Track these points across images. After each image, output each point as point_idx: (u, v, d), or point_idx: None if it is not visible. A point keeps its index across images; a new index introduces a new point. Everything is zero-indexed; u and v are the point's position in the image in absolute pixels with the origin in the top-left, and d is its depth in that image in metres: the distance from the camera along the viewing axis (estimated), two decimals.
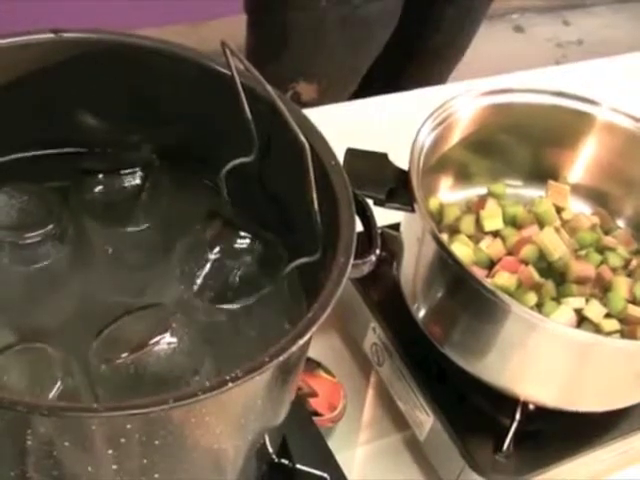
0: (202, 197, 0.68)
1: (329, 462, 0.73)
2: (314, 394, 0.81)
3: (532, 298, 0.77)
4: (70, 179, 0.66)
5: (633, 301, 0.79)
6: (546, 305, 0.77)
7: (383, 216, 0.72)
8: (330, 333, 0.91)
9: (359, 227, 0.58)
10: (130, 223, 0.66)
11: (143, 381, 0.55)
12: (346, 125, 1.02)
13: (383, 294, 0.87)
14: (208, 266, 0.62)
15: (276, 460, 0.68)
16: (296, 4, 1.26)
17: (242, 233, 0.63)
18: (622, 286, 0.79)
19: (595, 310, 0.77)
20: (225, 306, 0.62)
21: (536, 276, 0.79)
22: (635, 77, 1.33)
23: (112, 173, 0.66)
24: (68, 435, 0.49)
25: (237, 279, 0.63)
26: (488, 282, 0.72)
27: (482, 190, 0.90)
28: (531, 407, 0.78)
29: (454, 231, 0.84)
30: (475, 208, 0.86)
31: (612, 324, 0.77)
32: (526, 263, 0.80)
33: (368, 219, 0.61)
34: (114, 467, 0.51)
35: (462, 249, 0.80)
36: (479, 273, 0.77)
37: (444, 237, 0.82)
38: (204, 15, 2.21)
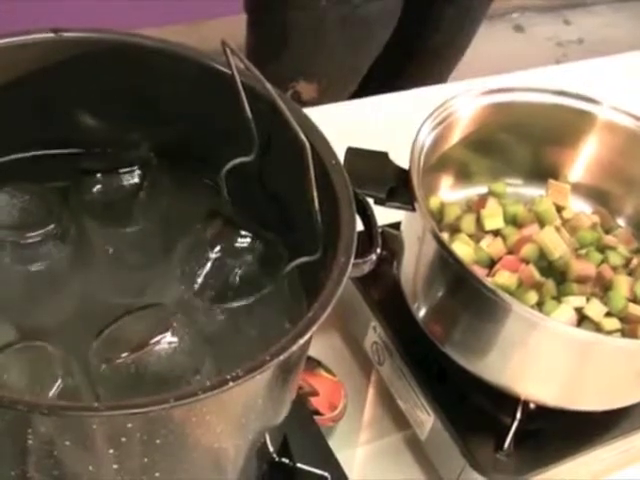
0: (202, 196, 0.68)
1: (330, 461, 0.73)
2: (315, 393, 0.81)
3: (533, 297, 0.77)
4: (69, 179, 0.66)
5: (634, 300, 0.79)
6: (547, 304, 0.77)
7: (383, 215, 0.72)
8: (331, 332, 0.91)
9: (359, 226, 0.58)
10: (130, 222, 0.66)
11: (144, 381, 0.55)
12: (346, 124, 1.02)
13: (384, 293, 0.87)
14: (209, 265, 0.62)
15: (277, 459, 0.68)
16: (296, 4, 1.26)
17: (243, 232, 0.63)
18: (623, 285, 0.79)
19: (596, 309, 0.77)
20: (226, 305, 0.62)
21: (537, 275, 0.79)
22: (635, 76, 1.33)
23: (110, 172, 0.66)
24: (69, 434, 0.49)
25: (238, 278, 0.63)
26: (489, 281, 0.72)
27: (482, 189, 0.90)
28: (532, 406, 0.78)
29: (455, 230, 0.84)
30: (476, 207, 0.86)
31: (613, 323, 0.77)
32: (527, 262, 0.80)
33: (369, 218, 0.61)
34: (115, 466, 0.51)
35: (463, 248, 0.80)
36: (480, 272, 0.77)
37: (445, 236, 0.82)
38: (204, 14, 2.21)
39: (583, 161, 0.91)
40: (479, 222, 0.84)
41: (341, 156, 0.68)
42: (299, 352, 0.55)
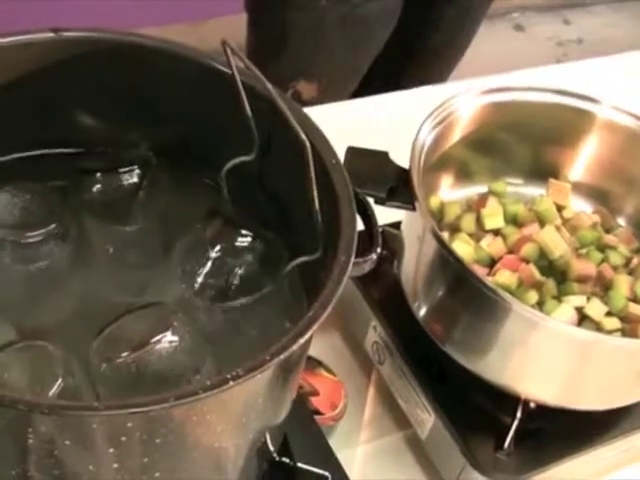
0: (202, 196, 0.68)
1: (330, 461, 0.73)
2: (315, 393, 0.81)
3: (533, 296, 0.77)
4: (69, 178, 0.66)
5: (634, 299, 0.79)
6: (547, 303, 0.77)
7: (384, 215, 0.72)
8: (331, 332, 0.91)
9: (360, 226, 0.58)
10: (129, 221, 0.66)
11: (144, 380, 0.55)
12: (346, 124, 1.02)
13: (384, 292, 0.87)
14: (209, 265, 0.62)
15: (277, 459, 0.68)
16: (296, 3, 1.26)
17: (243, 232, 0.63)
18: (623, 284, 0.79)
19: (596, 308, 0.77)
20: (226, 305, 0.62)
21: (537, 274, 0.79)
22: (635, 76, 1.33)
23: (110, 172, 0.66)
24: (69, 434, 0.49)
25: (238, 278, 0.63)
26: (489, 280, 0.72)
27: (483, 188, 0.90)
28: (532, 405, 0.78)
29: (455, 229, 0.84)
30: (476, 206, 0.86)
31: (613, 322, 0.77)
32: (527, 261, 0.80)
33: (369, 217, 0.61)
34: (115, 466, 0.51)
35: (463, 247, 0.80)
36: (480, 271, 0.77)
37: (445, 235, 0.82)
38: (205, 14, 2.21)
39: (583, 160, 0.91)
40: (479, 221, 0.84)
41: (341, 155, 0.68)
42: (299, 351, 0.55)
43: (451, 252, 0.72)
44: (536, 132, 0.89)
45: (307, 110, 0.62)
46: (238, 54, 0.60)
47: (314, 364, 0.83)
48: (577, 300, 0.77)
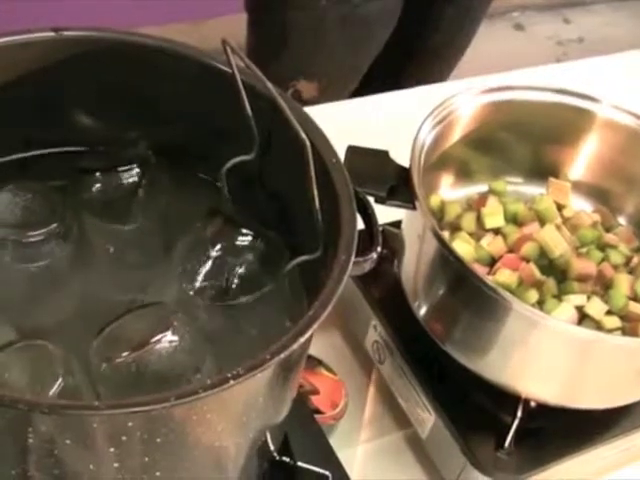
0: (203, 195, 0.68)
1: (330, 460, 0.73)
2: (315, 392, 0.81)
3: (533, 295, 0.77)
4: (69, 178, 0.66)
5: (634, 298, 0.79)
6: (547, 302, 0.77)
7: (384, 214, 0.72)
8: (331, 331, 0.91)
9: (360, 225, 0.58)
10: (129, 221, 0.66)
11: (144, 379, 0.55)
12: (347, 123, 1.02)
13: (384, 292, 0.87)
14: (209, 264, 0.62)
15: (277, 458, 0.68)
16: (296, 3, 1.26)
17: (243, 231, 0.63)
18: (623, 283, 0.79)
19: (596, 307, 0.77)
20: (226, 304, 0.62)
21: (537, 273, 0.79)
22: (635, 75, 1.33)
23: (109, 171, 0.66)
24: (69, 433, 0.49)
25: (238, 277, 0.63)
26: (489, 279, 0.72)
27: (483, 187, 0.90)
28: (532, 404, 0.78)
29: (455, 228, 0.84)
30: (476, 205, 0.86)
31: (613, 321, 0.77)
32: (527, 260, 0.80)
33: (369, 217, 0.61)
34: (115, 465, 0.51)
35: (463, 246, 0.80)
36: (480, 270, 0.77)
37: (445, 234, 0.82)
38: (205, 14, 2.21)
39: (583, 159, 0.91)
40: (479, 220, 0.84)
41: (341, 154, 0.68)
42: (300, 350, 0.55)
43: (451, 251, 0.72)
44: (536, 131, 0.89)
45: (307, 109, 0.62)
46: (238, 53, 0.60)
47: (314, 363, 0.83)
48: (577, 299, 0.77)
